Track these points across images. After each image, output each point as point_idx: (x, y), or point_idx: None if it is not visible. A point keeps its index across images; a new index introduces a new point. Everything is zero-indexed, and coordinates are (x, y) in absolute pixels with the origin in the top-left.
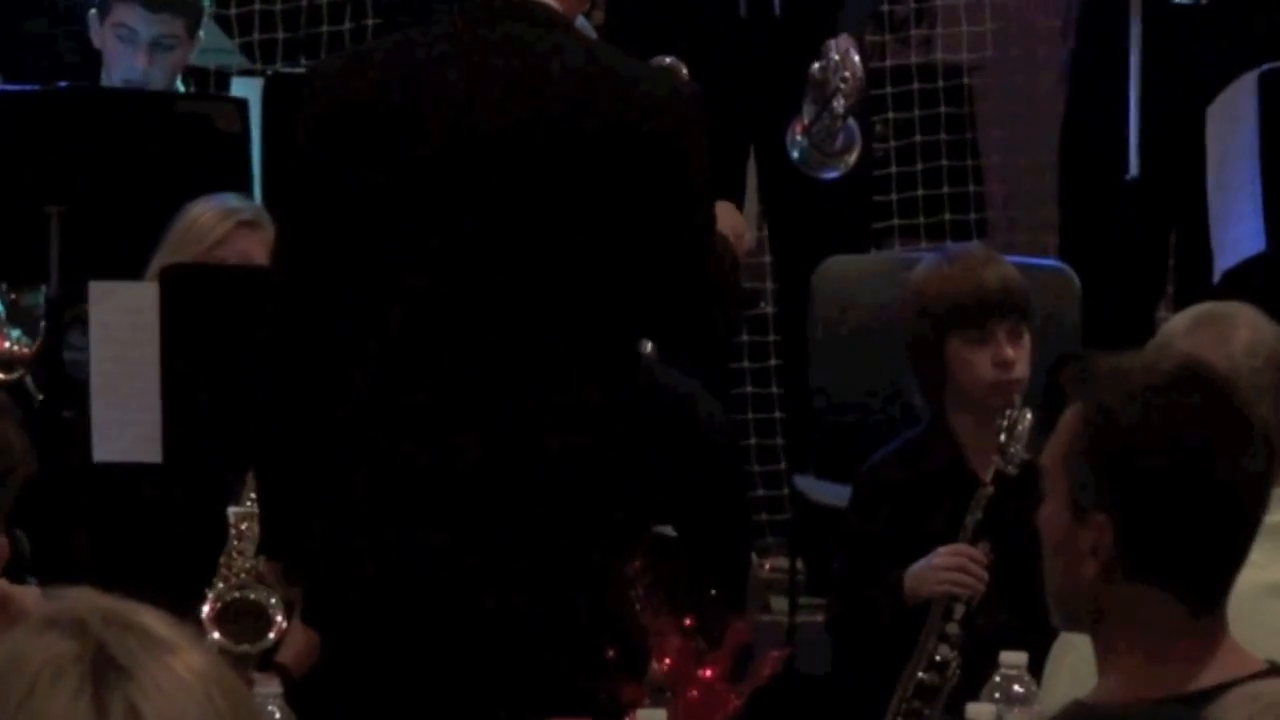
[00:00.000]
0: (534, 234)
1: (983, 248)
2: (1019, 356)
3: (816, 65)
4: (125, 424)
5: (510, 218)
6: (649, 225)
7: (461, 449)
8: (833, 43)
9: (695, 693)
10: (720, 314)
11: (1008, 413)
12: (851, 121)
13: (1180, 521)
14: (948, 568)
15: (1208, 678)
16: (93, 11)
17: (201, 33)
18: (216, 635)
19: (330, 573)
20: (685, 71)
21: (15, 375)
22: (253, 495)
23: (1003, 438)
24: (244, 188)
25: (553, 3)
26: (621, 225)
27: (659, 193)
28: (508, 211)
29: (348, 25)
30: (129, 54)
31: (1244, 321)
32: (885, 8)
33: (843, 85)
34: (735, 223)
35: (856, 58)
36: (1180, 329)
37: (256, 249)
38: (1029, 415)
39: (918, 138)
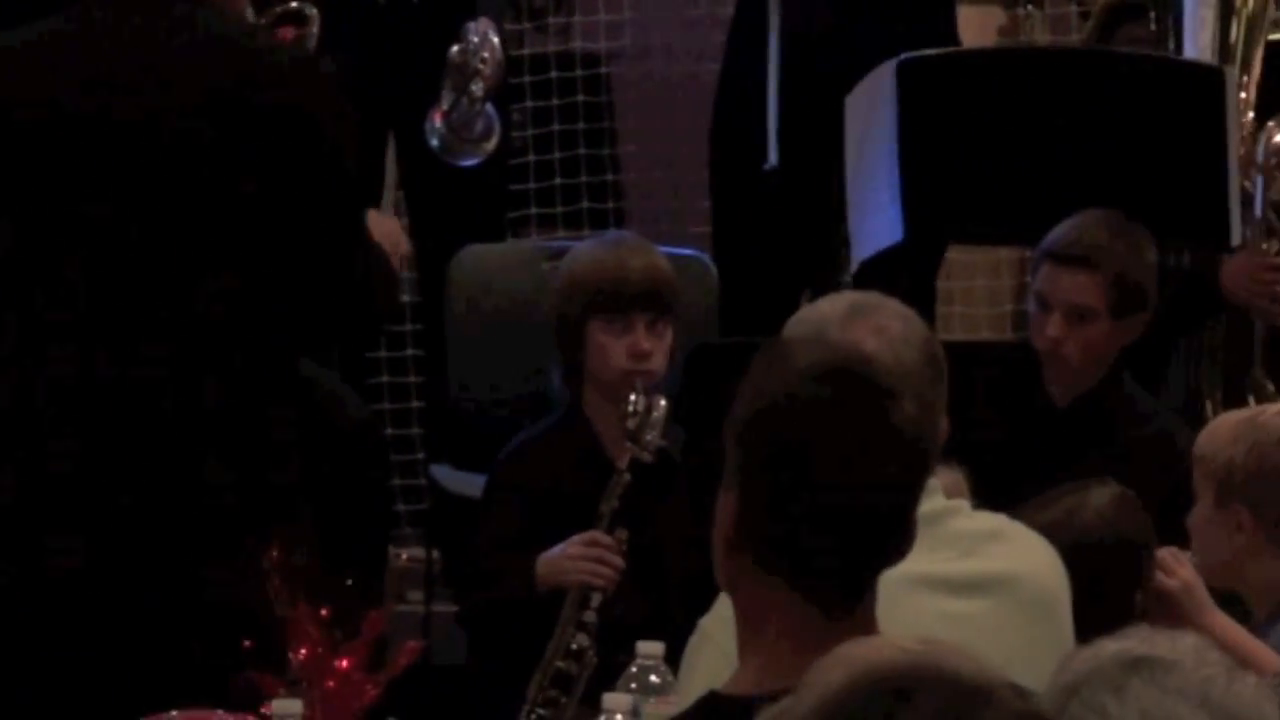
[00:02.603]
0: (174, 220)
1: (639, 238)
2: (656, 349)
3: (456, 48)
4: None
5: (149, 204)
6: (293, 205)
7: (98, 441)
8: (472, 25)
9: (332, 683)
10: (368, 299)
11: (632, 399)
12: (490, 107)
13: (791, 510)
14: (582, 556)
15: None
16: None
17: None
18: None
19: None
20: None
21: None
22: None
23: (630, 425)
24: None
25: None
26: (262, 206)
27: (299, 170)
28: (146, 198)
29: None
30: None
31: (894, 312)
32: None
33: (482, 68)
34: (389, 230)
35: (496, 41)
36: (835, 318)
37: None
38: (663, 403)
39: (555, 126)
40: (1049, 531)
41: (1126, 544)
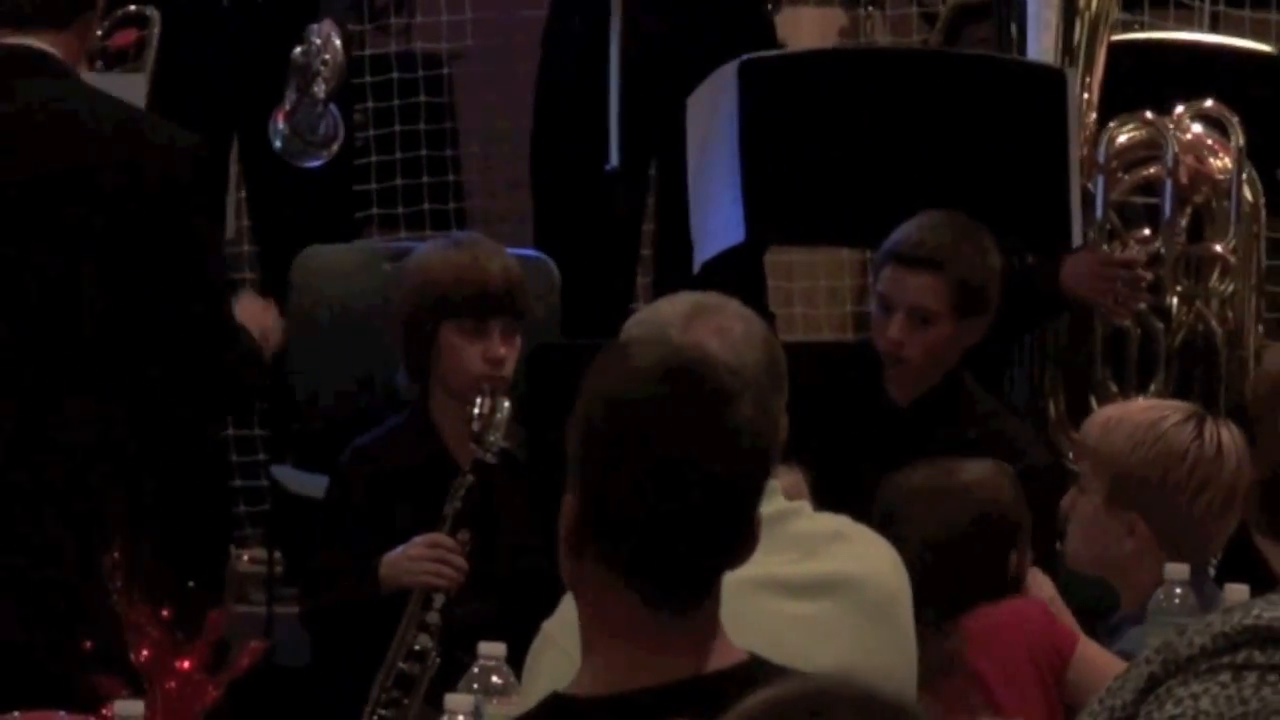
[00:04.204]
0: (47, 287)
1: (490, 241)
2: (509, 356)
3: (299, 50)
4: None
5: (22, 271)
6: (161, 272)
7: None
8: (315, 27)
9: (173, 684)
10: (234, 361)
11: (479, 401)
12: (334, 108)
13: (628, 510)
14: (425, 558)
15: (684, 671)
16: None
17: None
18: None
19: None
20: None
21: None
22: None
23: (476, 426)
24: None
25: (54, 52)
26: (133, 274)
27: (168, 242)
28: (20, 265)
29: None
30: None
31: (735, 313)
32: None
33: (324, 69)
34: (261, 318)
35: (339, 42)
36: (676, 320)
37: None
38: (506, 404)
39: (397, 127)
40: (931, 485)
41: (1005, 508)
